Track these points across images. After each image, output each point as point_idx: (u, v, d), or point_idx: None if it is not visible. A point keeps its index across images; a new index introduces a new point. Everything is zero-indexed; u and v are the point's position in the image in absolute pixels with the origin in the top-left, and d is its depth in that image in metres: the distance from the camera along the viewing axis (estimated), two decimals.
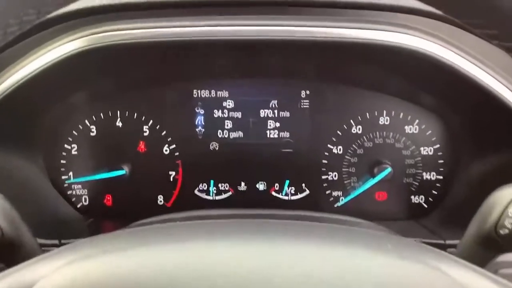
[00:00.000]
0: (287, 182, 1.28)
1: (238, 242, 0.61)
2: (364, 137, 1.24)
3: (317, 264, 0.53)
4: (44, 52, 0.94)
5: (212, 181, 1.29)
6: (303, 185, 1.28)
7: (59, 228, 1.18)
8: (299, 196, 1.29)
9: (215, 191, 1.29)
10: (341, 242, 0.64)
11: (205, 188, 1.30)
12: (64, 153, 1.26)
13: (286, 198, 1.29)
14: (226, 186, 1.29)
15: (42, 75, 0.95)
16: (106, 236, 0.64)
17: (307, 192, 1.29)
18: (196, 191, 1.30)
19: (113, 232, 0.66)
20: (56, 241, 1.03)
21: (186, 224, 0.69)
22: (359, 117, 1.24)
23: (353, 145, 1.25)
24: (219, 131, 1.26)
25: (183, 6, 1.07)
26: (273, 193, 1.30)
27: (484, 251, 0.79)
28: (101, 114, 1.24)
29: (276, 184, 1.29)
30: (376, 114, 1.23)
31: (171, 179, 1.28)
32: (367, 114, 1.23)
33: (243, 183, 1.29)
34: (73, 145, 1.26)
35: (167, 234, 0.63)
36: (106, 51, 0.99)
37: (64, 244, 1.02)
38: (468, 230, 0.80)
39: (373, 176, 1.24)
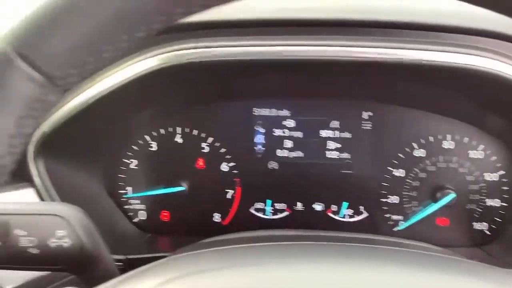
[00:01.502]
0: (346, 204, 1.26)
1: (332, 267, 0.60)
2: (427, 160, 1.22)
3: None
4: (120, 69, 0.95)
5: (269, 201, 1.28)
6: (362, 207, 1.26)
7: (117, 243, 1.18)
8: (357, 218, 1.27)
9: (271, 211, 1.28)
10: (435, 270, 0.63)
11: (261, 207, 1.29)
12: (123, 168, 1.27)
13: (343, 220, 1.28)
14: (283, 206, 1.28)
15: (117, 91, 0.96)
16: (204, 253, 0.65)
17: (365, 214, 1.27)
18: (251, 210, 1.29)
19: (210, 250, 0.66)
20: (121, 257, 1.02)
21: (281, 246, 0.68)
22: (422, 140, 1.21)
23: (415, 169, 1.22)
24: (278, 150, 1.26)
25: (251, 25, 1.08)
26: (330, 215, 1.28)
27: None
28: (162, 130, 1.25)
29: (334, 206, 1.27)
30: (439, 137, 1.21)
31: (228, 197, 1.28)
32: (431, 137, 1.21)
33: (300, 204, 1.28)
34: (132, 160, 1.26)
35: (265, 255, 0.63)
36: (178, 70, 1.00)
37: (131, 260, 1.03)
38: None
39: (435, 201, 1.21)
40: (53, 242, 0.75)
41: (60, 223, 0.76)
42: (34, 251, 0.75)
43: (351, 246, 0.75)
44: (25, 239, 0.75)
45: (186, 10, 0.46)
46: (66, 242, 0.76)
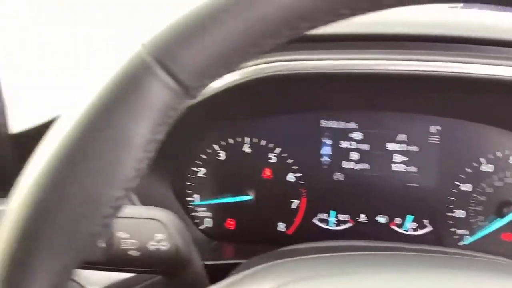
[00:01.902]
0: (411, 217, 1.27)
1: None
2: (494, 176, 1.22)
3: None
4: None
5: (333, 212, 1.29)
6: (426, 221, 1.27)
7: None
8: (420, 232, 1.28)
9: (335, 222, 1.30)
10: None
11: (325, 218, 1.30)
12: (191, 176, 1.30)
13: (406, 233, 1.28)
14: (347, 217, 1.30)
15: (201, 102, 1.00)
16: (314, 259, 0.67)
17: (430, 228, 1.27)
18: (315, 220, 1.31)
19: (313, 256, 0.68)
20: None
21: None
22: (489, 155, 1.22)
23: (482, 184, 1.23)
24: (344, 162, 1.27)
25: (325, 40, 1.11)
26: (393, 227, 1.29)
27: None
28: (230, 140, 1.28)
29: (398, 218, 1.28)
30: (507, 153, 1.21)
31: (293, 207, 1.30)
32: (498, 152, 1.21)
33: (363, 215, 1.29)
34: (201, 168, 1.30)
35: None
36: (255, 83, 1.04)
37: (207, 265, 1.05)
38: None
39: (502, 216, 1.21)
40: (152, 245, 0.79)
41: (159, 227, 0.80)
42: (135, 253, 0.78)
43: (440, 257, 0.76)
44: (127, 242, 0.78)
45: (311, 25, 0.48)
46: (164, 246, 0.79)
